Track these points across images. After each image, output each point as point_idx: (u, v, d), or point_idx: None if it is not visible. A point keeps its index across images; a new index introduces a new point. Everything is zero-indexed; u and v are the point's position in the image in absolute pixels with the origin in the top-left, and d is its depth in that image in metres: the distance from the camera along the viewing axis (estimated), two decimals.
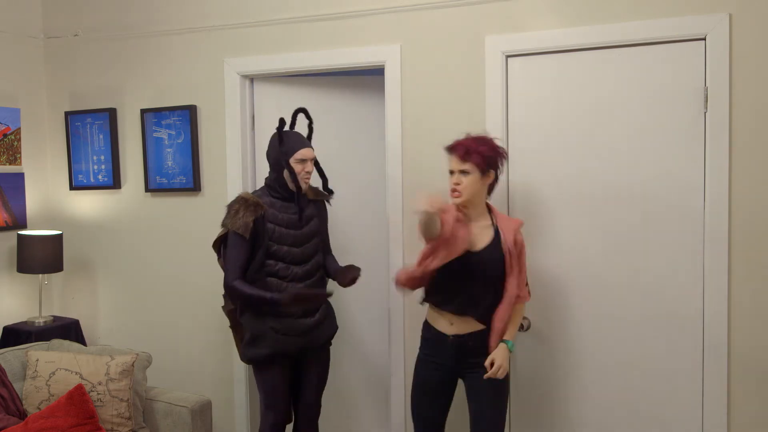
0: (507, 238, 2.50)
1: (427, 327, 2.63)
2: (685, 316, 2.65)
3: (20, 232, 3.58)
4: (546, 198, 2.84)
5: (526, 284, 2.60)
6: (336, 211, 3.27)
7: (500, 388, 2.52)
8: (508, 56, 2.84)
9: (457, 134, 2.93)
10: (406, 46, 3.01)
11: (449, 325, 2.53)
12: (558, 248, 2.83)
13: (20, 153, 3.73)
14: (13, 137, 3.68)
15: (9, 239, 3.67)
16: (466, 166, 2.44)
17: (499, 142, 2.53)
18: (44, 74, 3.86)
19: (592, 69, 2.74)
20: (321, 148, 3.30)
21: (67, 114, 3.77)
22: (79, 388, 2.85)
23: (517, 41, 2.82)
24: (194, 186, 3.47)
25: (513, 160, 2.87)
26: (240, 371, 3.44)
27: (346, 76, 3.37)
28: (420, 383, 2.62)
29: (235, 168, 3.38)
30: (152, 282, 3.66)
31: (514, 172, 2.87)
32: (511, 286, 2.48)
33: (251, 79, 3.39)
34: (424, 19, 2.98)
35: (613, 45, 2.69)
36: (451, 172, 2.49)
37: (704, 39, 2.56)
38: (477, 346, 2.50)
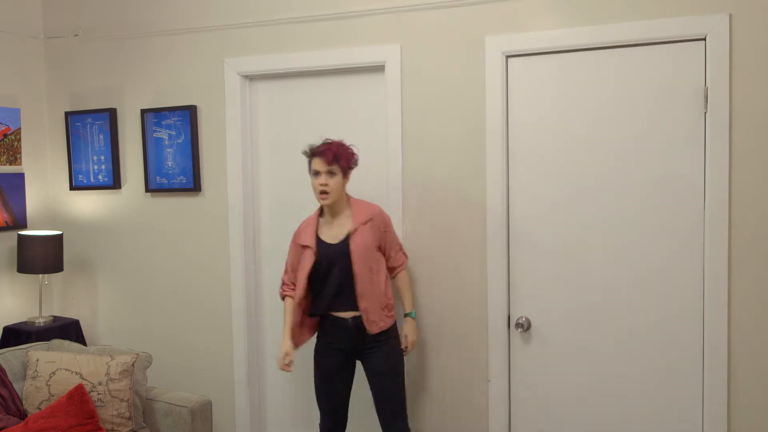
0: (357, 230, 2.75)
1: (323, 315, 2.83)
2: (685, 315, 2.65)
3: (20, 232, 3.58)
4: (545, 197, 2.84)
5: (401, 251, 2.91)
6: None
7: (399, 364, 2.81)
8: (508, 56, 2.84)
9: (457, 133, 2.94)
10: (406, 46, 3.01)
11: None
12: (556, 248, 2.83)
13: (20, 153, 3.73)
14: (13, 137, 3.68)
15: (9, 239, 3.67)
16: (333, 168, 2.71)
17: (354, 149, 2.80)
18: (44, 74, 3.86)
19: (592, 69, 2.74)
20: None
21: (67, 114, 3.77)
22: (80, 388, 2.85)
23: (517, 41, 2.82)
24: (194, 186, 3.47)
25: (513, 160, 2.87)
26: (240, 371, 3.44)
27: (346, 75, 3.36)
28: (323, 371, 2.85)
29: (235, 168, 3.38)
30: (152, 282, 3.66)
31: (514, 172, 2.87)
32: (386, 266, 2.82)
33: (251, 79, 3.39)
34: (424, 19, 2.98)
35: (613, 45, 2.69)
36: (317, 174, 2.73)
37: (704, 39, 2.55)
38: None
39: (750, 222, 2.54)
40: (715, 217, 2.56)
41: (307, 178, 3.34)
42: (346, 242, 2.74)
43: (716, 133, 2.55)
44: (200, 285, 3.53)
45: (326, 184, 2.71)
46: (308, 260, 2.78)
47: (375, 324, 2.72)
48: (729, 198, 2.55)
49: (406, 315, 2.87)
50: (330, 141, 2.77)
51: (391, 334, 2.81)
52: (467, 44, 2.90)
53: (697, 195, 2.60)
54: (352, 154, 2.77)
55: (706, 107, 2.57)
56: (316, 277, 2.79)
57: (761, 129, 2.51)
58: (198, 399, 3.10)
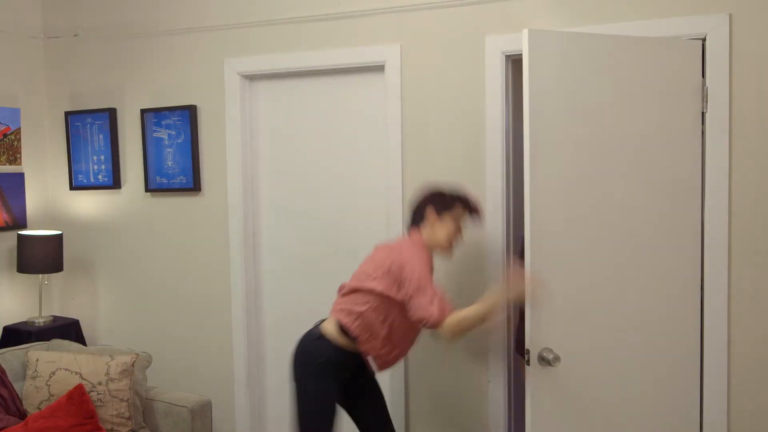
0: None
1: (332, 350, 2.59)
2: (685, 316, 2.65)
3: (20, 232, 3.58)
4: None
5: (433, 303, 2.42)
6: (337, 212, 3.27)
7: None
8: (508, 56, 2.84)
9: (457, 133, 2.94)
10: (406, 46, 3.01)
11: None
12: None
13: (20, 153, 3.73)
14: (13, 137, 3.68)
15: (9, 239, 3.67)
16: None
17: None
18: (44, 74, 3.86)
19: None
20: (321, 148, 3.31)
21: (67, 114, 3.77)
22: (79, 388, 2.85)
23: (517, 41, 2.80)
24: (194, 186, 3.47)
25: (513, 159, 2.87)
26: (240, 371, 3.44)
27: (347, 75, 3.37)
28: (330, 400, 2.64)
29: (235, 168, 3.38)
30: (152, 282, 3.66)
31: (513, 172, 2.87)
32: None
33: (251, 79, 3.39)
34: (424, 19, 2.98)
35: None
36: (461, 229, 2.65)
37: (704, 39, 2.55)
38: None
39: (750, 221, 2.54)
40: (715, 217, 2.56)
41: (306, 178, 3.35)
42: None
43: (716, 133, 2.54)
44: (200, 285, 3.53)
45: None
46: None
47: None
48: (729, 198, 2.55)
49: None
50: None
51: None
52: (467, 44, 2.90)
53: (697, 195, 2.60)
54: None
55: (705, 107, 2.57)
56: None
57: (761, 129, 2.51)
58: (198, 399, 3.10)
